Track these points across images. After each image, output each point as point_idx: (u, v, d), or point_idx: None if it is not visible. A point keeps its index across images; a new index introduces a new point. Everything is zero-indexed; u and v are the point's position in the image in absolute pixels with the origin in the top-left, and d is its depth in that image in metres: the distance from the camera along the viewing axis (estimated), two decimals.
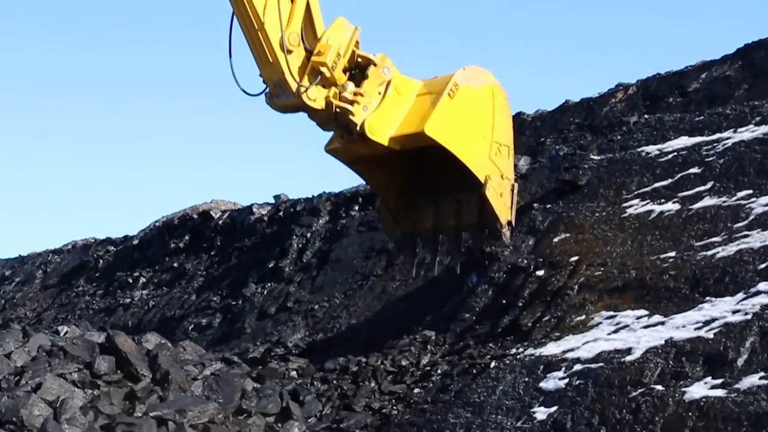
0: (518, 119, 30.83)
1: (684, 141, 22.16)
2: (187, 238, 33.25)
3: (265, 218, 31.00)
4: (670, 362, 15.01)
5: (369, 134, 18.14)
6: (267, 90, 18.33)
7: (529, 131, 30.13)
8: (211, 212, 34.43)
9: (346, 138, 18.68)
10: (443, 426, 16.08)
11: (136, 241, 35.18)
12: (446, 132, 18.29)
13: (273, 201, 32.86)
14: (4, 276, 37.10)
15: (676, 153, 21.70)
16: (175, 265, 31.22)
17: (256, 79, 18.42)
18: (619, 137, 23.66)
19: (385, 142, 18.36)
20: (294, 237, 28.18)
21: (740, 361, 14.43)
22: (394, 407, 17.50)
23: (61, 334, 18.51)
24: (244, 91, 18.34)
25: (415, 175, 19.88)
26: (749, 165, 20.06)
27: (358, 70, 18.58)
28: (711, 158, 21.14)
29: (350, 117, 18.08)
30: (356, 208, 26.75)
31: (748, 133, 21.39)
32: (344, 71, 18.42)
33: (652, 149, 22.70)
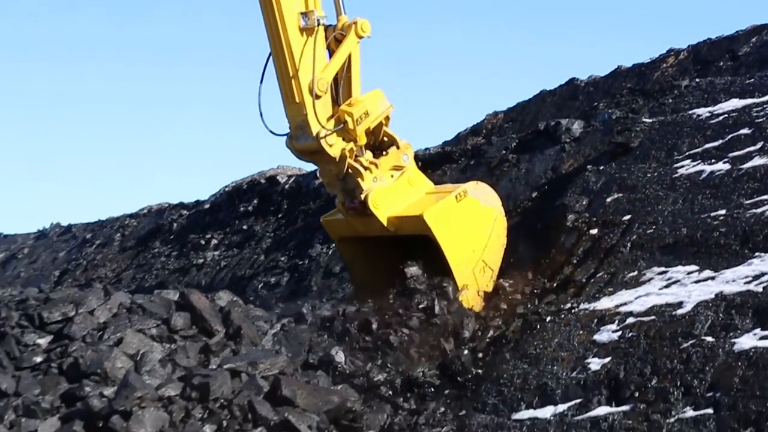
0: (572, 85, 30.97)
1: (734, 103, 22.00)
2: (255, 202, 33.66)
3: None
4: (720, 315, 14.96)
5: (371, 206, 18.34)
6: (289, 133, 18.56)
7: (582, 96, 30.11)
8: (278, 177, 34.70)
9: (347, 204, 18.87)
10: (502, 377, 16.13)
11: (207, 206, 35.65)
12: (443, 227, 18.47)
13: None
14: (86, 239, 37.63)
15: (726, 115, 21.51)
16: (245, 227, 31.57)
17: (282, 120, 18.76)
18: (670, 101, 23.40)
19: (384, 221, 18.56)
20: None
21: None
22: (456, 359, 17.65)
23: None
24: (268, 129, 18.60)
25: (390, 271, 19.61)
26: None
27: (380, 145, 18.90)
28: (761, 119, 20.98)
29: (359, 180, 18.34)
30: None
31: None
32: (367, 145, 18.71)
33: (703, 111, 22.31)
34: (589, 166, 22.10)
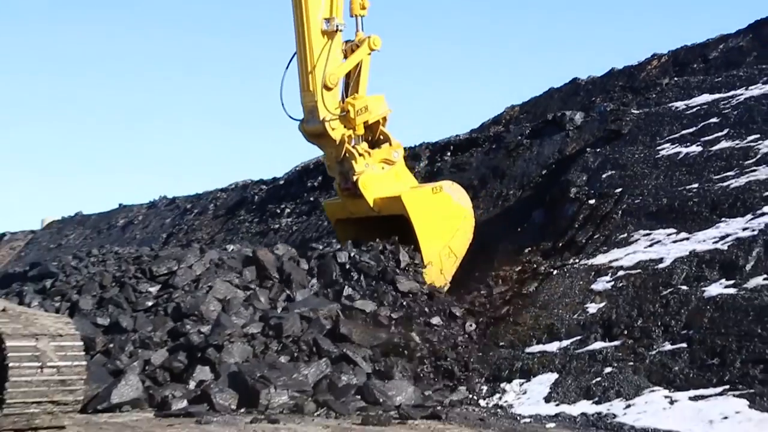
0: (574, 83, 30.76)
1: (706, 98, 21.88)
2: (320, 178, 33.33)
3: None
4: (693, 268, 15.29)
5: (361, 186, 18.30)
6: (302, 118, 18.57)
7: (582, 92, 29.90)
8: None
9: (342, 186, 18.85)
10: (518, 318, 16.53)
11: (282, 182, 35.41)
12: (416, 209, 18.40)
13: None
14: (186, 208, 37.79)
15: (699, 107, 21.45)
16: (311, 199, 31.42)
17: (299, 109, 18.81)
18: (653, 96, 23.25)
19: (370, 201, 18.45)
20: None
21: (748, 267, 14.73)
22: (479, 302, 17.99)
23: (228, 250, 19.29)
24: (287, 113, 18.65)
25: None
26: (758, 115, 19.89)
27: (376, 141, 18.89)
28: (727, 110, 20.83)
29: (353, 163, 18.28)
30: (448, 154, 26.43)
31: (757, 90, 21.27)
32: (365, 138, 18.81)
33: (680, 104, 22.40)
34: (588, 149, 21.97)
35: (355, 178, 18.35)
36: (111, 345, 15.23)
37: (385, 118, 18.96)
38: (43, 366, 11.33)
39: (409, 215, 18.32)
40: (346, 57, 18.59)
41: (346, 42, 18.72)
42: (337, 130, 18.28)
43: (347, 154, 18.41)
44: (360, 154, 18.45)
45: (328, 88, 18.12)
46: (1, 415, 11.17)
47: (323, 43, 18.09)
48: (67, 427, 11.76)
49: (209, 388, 14.03)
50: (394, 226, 18.76)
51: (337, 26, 18.12)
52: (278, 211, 30.40)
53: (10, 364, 11.09)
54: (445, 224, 19.06)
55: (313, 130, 18.49)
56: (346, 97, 18.69)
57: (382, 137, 18.98)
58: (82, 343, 11.98)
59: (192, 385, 14.41)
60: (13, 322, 11.55)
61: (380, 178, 18.78)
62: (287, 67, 18.50)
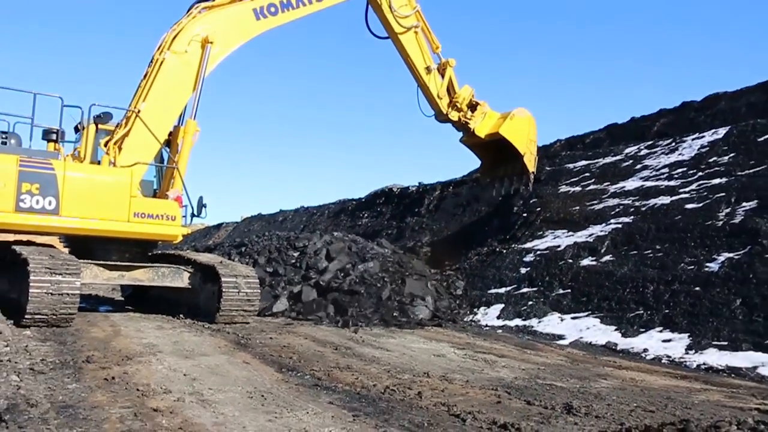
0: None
1: (582, 163, 21.03)
2: (383, 199, 29.98)
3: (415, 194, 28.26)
4: (575, 250, 15.44)
5: (477, 132, 17.47)
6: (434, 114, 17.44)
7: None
8: (393, 188, 30.43)
9: (466, 134, 17.81)
10: (485, 274, 16.44)
11: (363, 200, 31.97)
12: (511, 133, 17.47)
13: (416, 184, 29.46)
14: (313, 213, 34.19)
15: (579, 167, 20.65)
16: (379, 209, 29.86)
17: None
18: (556, 161, 22.27)
19: (483, 136, 17.53)
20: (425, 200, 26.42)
21: (602, 250, 14.89)
22: (464, 266, 17.50)
23: (333, 235, 18.28)
24: (423, 112, 17.21)
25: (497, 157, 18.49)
26: (608, 172, 19.05)
27: (472, 105, 17.43)
28: (594, 170, 20.22)
29: (469, 125, 17.40)
30: (450, 188, 25.10)
31: (608, 159, 20.39)
32: (467, 105, 17.36)
33: (570, 166, 21.13)
34: (523, 187, 20.00)
35: (472, 129, 17.37)
36: (273, 282, 15.10)
37: (473, 94, 17.46)
38: (239, 291, 11.65)
39: (510, 140, 17.49)
40: (443, 76, 16.92)
41: (437, 66, 17.02)
42: (452, 115, 17.15)
43: (464, 121, 17.30)
44: (470, 119, 17.35)
45: (441, 98, 16.92)
46: (219, 315, 11.48)
47: (431, 78, 16.71)
48: (251, 322, 11.95)
49: (320, 307, 13.62)
50: (497, 144, 17.89)
51: (429, 68, 16.56)
52: (361, 216, 29.61)
53: (223, 290, 11.49)
54: (524, 136, 17.92)
55: (443, 118, 17.29)
56: (452, 94, 17.22)
57: (474, 103, 17.38)
58: (258, 280, 12.20)
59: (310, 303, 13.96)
60: (225, 268, 11.87)
61: (483, 123, 17.52)
62: (417, 95, 17.02)
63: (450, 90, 17.22)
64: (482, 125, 17.60)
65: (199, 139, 12.56)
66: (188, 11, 12.85)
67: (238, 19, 12.87)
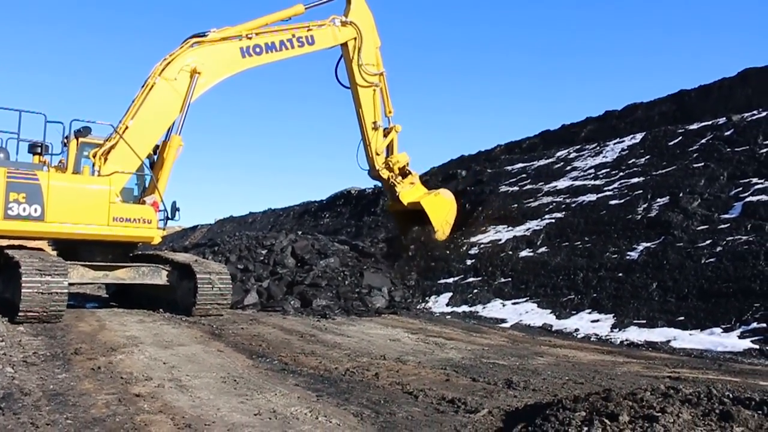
0: (461, 159, 27.38)
1: (520, 165, 21.16)
2: (342, 200, 29.61)
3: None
4: (514, 243, 15.41)
5: (401, 197, 17.03)
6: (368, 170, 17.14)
7: (465, 161, 26.23)
8: (351, 191, 29.65)
9: (391, 198, 17.53)
10: (437, 256, 16.12)
11: (324, 202, 31.92)
12: (430, 207, 17.08)
13: None
14: (279, 214, 34.00)
15: (517, 170, 20.77)
16: (339, 210, 29.10)
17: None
18: (497, 164, 22.04)
19: (406, 203, 17.06)
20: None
21: (538, 243, 14.91)
22: (415, 256, 16.79)
23: (298, 234, 17.93)
24: (359, 165, 16.98)
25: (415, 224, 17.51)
26: (543, 174, 19.15)
27: (404, 172, 17.06)
28: (530, 171, 20.07)
29: (396, 188, 17.02)
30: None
31: (542, 161, 20.64)
32: (399, 169, 16.96)
33: (509, 168, 21.23)
34: (468, 188, 20.59)
35: (398, 194, 16.99)
36: (244, 277, 14.62)
37: (407, 162, 17.14)
38: (213, 286, 11.49)
39: (427, 212, 17.05)
40: (386, 137, 16.74)
41: (384, 129, 16.76)
42: (383, 173, 16.91)
43: (392, 184, 17.00)
44: (397, 183, 17.00)
45: (378, 154, 16.64)
46: (195, 309, 11.35)
47: (375, 135, 16.56)
48: (224, 315, 11.75)
49: (286, 299, 13.48)
50: (418, 214, 17.36)
51: (376, 125, 16.45)
52: (323, 216, 29.14)
53: (198, 286, 11.35)
54: (445, 212, 17.59)
55: (374, 175, 17.14)
56: (389, 155, 16.99)
57: (407, 171, 17.12)
58: (230, 276, 12.01)
59: (279, 297, 13.59)
60: (199, 266, 11.76)
61: (409, 192, 17.12)
62: (357, 149, 16.88)
63: (388, 151, 17.03)
64: (407, 193, 17.17)
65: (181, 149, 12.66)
66: (182, 44, 12.89)
67: (225, 55, 13.09)
